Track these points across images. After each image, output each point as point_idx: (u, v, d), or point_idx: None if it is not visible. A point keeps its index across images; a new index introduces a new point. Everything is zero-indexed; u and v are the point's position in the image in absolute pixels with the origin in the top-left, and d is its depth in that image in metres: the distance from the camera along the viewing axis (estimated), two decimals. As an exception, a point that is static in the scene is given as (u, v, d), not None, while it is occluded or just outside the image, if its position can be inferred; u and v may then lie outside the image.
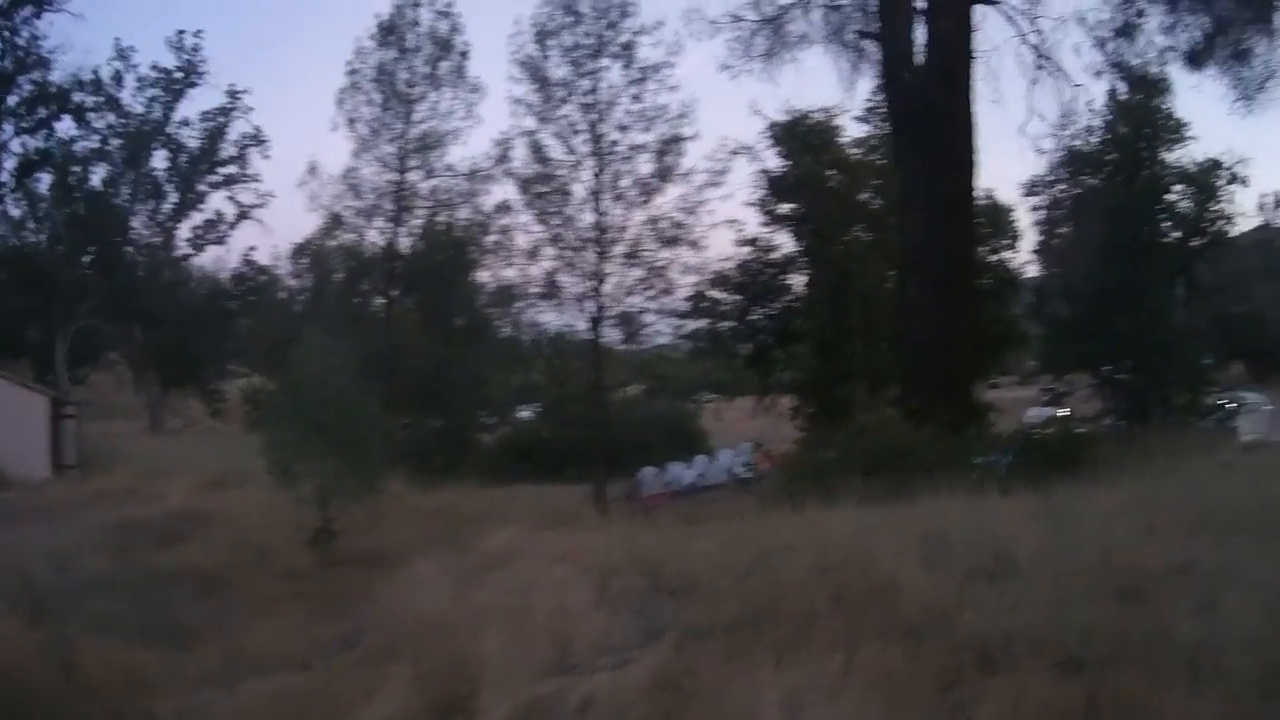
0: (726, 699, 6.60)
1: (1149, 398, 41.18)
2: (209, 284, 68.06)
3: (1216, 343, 61.04)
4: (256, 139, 62.68)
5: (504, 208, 44.01)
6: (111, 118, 59.16)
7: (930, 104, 25.63)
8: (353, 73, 44.97)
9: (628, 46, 39.76)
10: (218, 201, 63.29)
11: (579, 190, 40.57)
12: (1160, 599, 7.67)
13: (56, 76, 54.37)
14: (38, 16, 52.48)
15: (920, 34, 27.15)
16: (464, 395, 46.31)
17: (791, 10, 30.18)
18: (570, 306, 41.62)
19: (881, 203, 43.64)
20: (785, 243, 47.47)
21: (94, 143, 58.22)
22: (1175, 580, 8.21)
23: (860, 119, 45.39)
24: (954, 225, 26.43)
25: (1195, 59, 27.89)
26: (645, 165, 40.24)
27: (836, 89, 51.89)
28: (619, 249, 40.46)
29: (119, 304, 57.22)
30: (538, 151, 40.72)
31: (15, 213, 56.56)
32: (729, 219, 45.46)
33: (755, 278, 47.29)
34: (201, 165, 62.30)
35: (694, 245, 41.18)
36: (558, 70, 40.17)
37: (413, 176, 46.02)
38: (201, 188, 62.98)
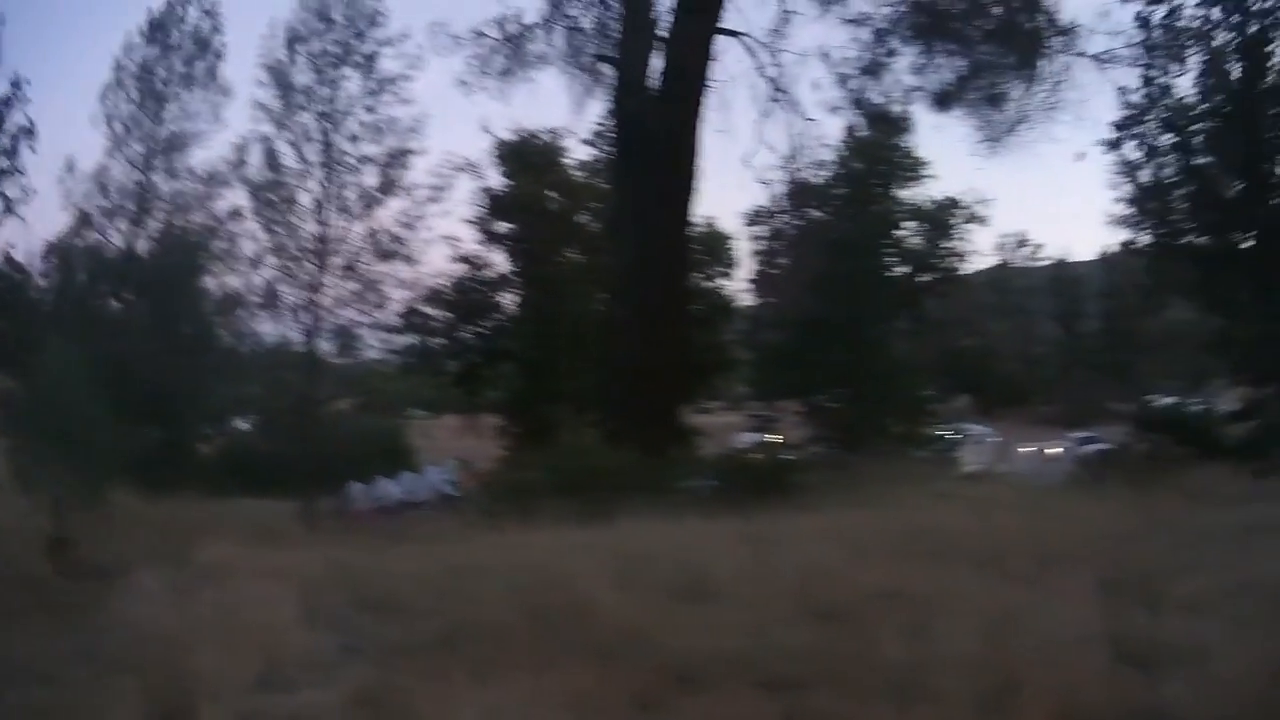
0: (424, 716, 6.77)
1: (863, 426, 42.84)
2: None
3: (943, 375, 63.99)
4: (29, 131, 58.82)
5: (235, 214, 42.84)
6: None
7: (654, 129, 25.92)
8: (119, 68, 43.22)
9: (371, 57, 39.30)
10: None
11: (305, 200, 39.64)
12: (866, 622, 8.07)
13: None
14: None
15: (660, 61, 27.46)
16: (187, 405, 45.02)
17: (535, 30, 30.34)
18: (287, 317, 40.52)
19: (599, 226, 44.18)
20: (500, 262, 48.20)
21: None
22: (882, 604, 8.62)
23: (587, 142, 46.11)
24: (667, 251, 26.77)
25: (943, 100, 29.09)
26: (370, 178, 39.91)
27: (568, 111, 52.59)
28: (337, 261, 39.97)
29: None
30: (271, 158, 39.99)
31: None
32: (447, 236, 45.62)
33: (467, 295, 47.67)
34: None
35: (409, 260, 40.78)
36: (301, 77, 39.44)
37: (157, 178, 44.25)
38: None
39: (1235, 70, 34.86)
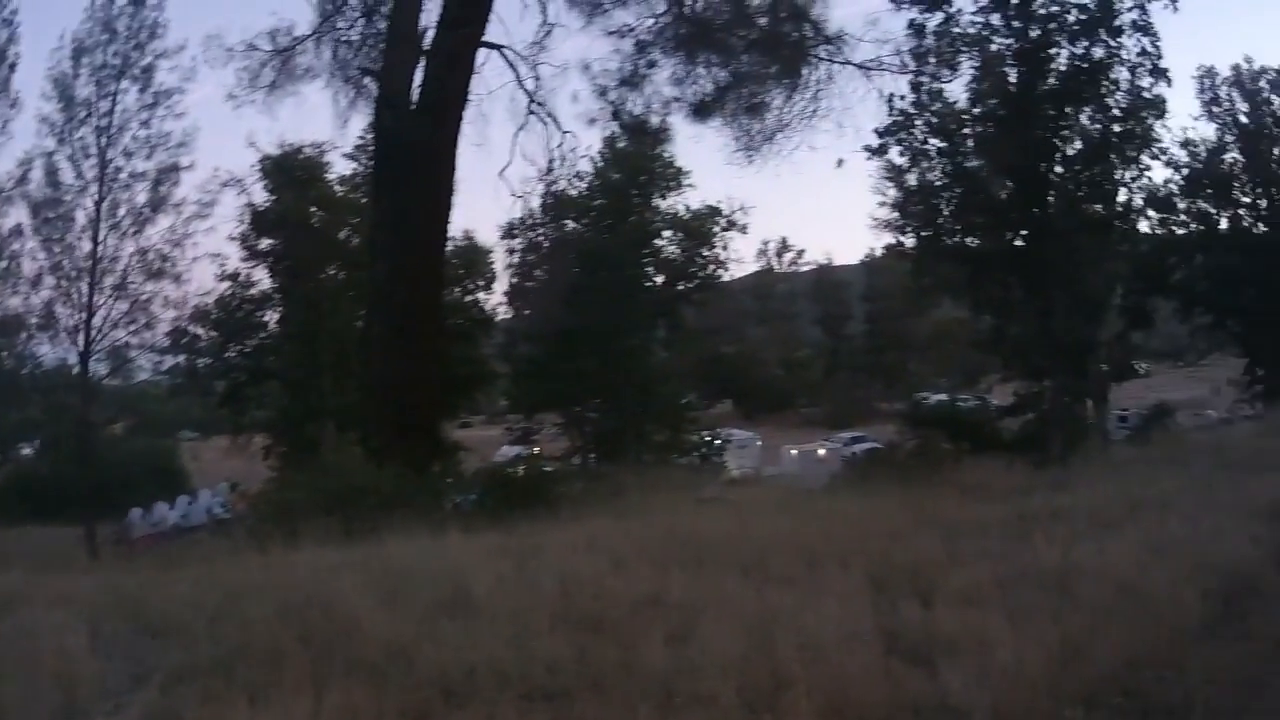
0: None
1: (624, 435, 43.17)
2: None
3: (704, 382, 65.09)
4: None
5: (16, 232, 41.35)
6: None
7: (412, 143, 25.79)
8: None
9: (148, 69, 39.58)
10: None
11: (81, 217, 39.74)
12: (629, 630, 8.11)
13: None
14: None
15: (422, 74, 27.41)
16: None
17: (304, 42, 29.85)
18: (64, 339, 40.38)
19: (359, 241, 44.07)
20: (264, 279, 48.14)
21: None
22: (644, 612, 8.71)
23: (350, 156, 46.32)
24: (423, 265, 26.65)
25: (701, 110, 29.38)
26: (142, 194, 40.08)
27: (333, 125, 52.43)
28: (109, 280, 39.65)
29: None
30: (51, 174, 39.43)
31: None
32: (213, 253, 46.47)
33: (233, 314, 47.55)
34: None
35: (177, 279, 41.22)
36: (84, 89, 39.39)
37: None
38: None
39: (1012, 75, 36.47)
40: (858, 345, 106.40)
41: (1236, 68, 51.10)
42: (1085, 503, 14.20)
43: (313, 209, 46.50)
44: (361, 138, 41.94)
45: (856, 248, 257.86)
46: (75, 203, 39.65)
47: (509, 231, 47.65)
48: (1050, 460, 29.30)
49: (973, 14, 35.96)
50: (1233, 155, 51.76)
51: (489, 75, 36.62)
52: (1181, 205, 52.03)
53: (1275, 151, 51.05)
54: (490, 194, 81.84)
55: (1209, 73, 51.27)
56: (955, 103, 37.38)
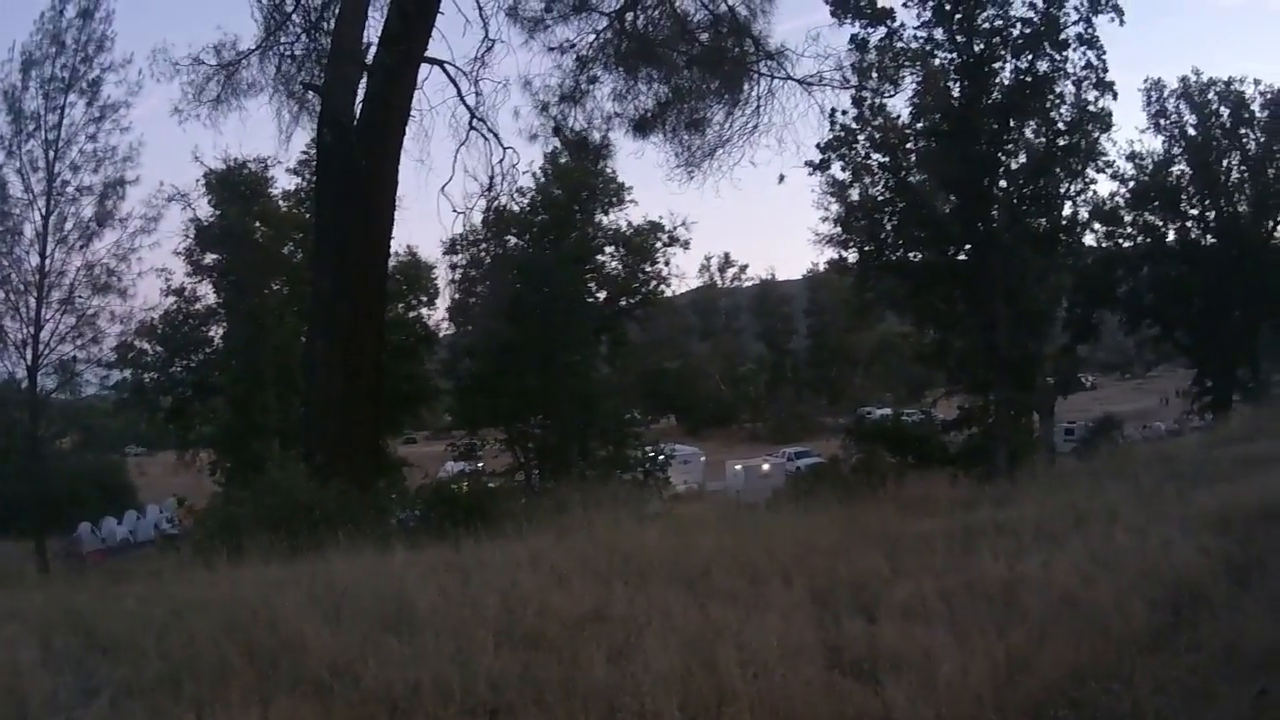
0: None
1: (567, 451, 43.15)
2: None
3: (647, 398, 65.19)
4: None
5: None
6: None
7: (353, 159, 25.70)
8: None
9: (95, 83, 39.02)
10: None
11: (29, 231, 39.05)
12: (572, 646, 8.15)
13: None
14: None
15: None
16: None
17: (249, 57, 29.64)
18: (12, 354, 39.70)
19: (303, 256, 44.40)
20: (208, 294, 48.16)
21: None
22: (588, 627, 8.71)
23: (294, 171, 46.35)
24: (364, 281, 26.57)
25: (642, 126, 29.44)
26: (89, 208, 39.52)
27: (277, 140, 52.29)
28: (57, 295, 39.24)
29: None
30: (0, 188, 38.82)
31: None
32: (158, 268, 46.34)
33: (178, 329, 47.50)
34: None
35: (123, 294, 40.62)
36: (32, 102, 38.75)
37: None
38: None
39: (955, 89, 36.77)
40: (801, 360, 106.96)
41: (1185, 80, 51.89)
42: (1030, 516, 14.19)
43: (256, 224, 46.63)
44: (305, 153, 41.97)
45: (799, 263, 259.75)
46: (23, 216, 39.15)
47: (451, 247, 47.90)
48: (995, 474, 29.53)
49: (916, 28, 36.34)
50: (1180, 167, 52.46)
51: (431, 91, 36.64)
52: (1128, 218, 52.70)
53: (1224, 163, 51.78)
54: (432, 210, 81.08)
55: (1156, 85, 52.02)
56: (898, 117, 37.74)
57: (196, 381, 48.49)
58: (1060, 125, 36.57)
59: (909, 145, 38.58)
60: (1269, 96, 50.85)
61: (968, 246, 38.14)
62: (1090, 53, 35.92)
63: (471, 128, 28.90)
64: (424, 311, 50.47)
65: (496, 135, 29.19)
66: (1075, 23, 35.78)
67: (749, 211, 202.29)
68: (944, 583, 10.04)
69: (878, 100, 35.92)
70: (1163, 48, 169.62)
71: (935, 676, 7.07)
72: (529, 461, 45.78)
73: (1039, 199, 37.37)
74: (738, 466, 58.04)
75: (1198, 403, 51.48)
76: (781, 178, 41.42)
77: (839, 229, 40.87)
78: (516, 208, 43.04)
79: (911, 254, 40.03)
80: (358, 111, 26.49)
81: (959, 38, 36.44)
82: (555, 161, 45.67)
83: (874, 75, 34.55)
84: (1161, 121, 52.33)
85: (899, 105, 37.30)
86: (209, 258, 47.23)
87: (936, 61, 36.26)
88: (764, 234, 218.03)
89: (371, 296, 27.18)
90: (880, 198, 39.25)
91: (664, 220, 50.66)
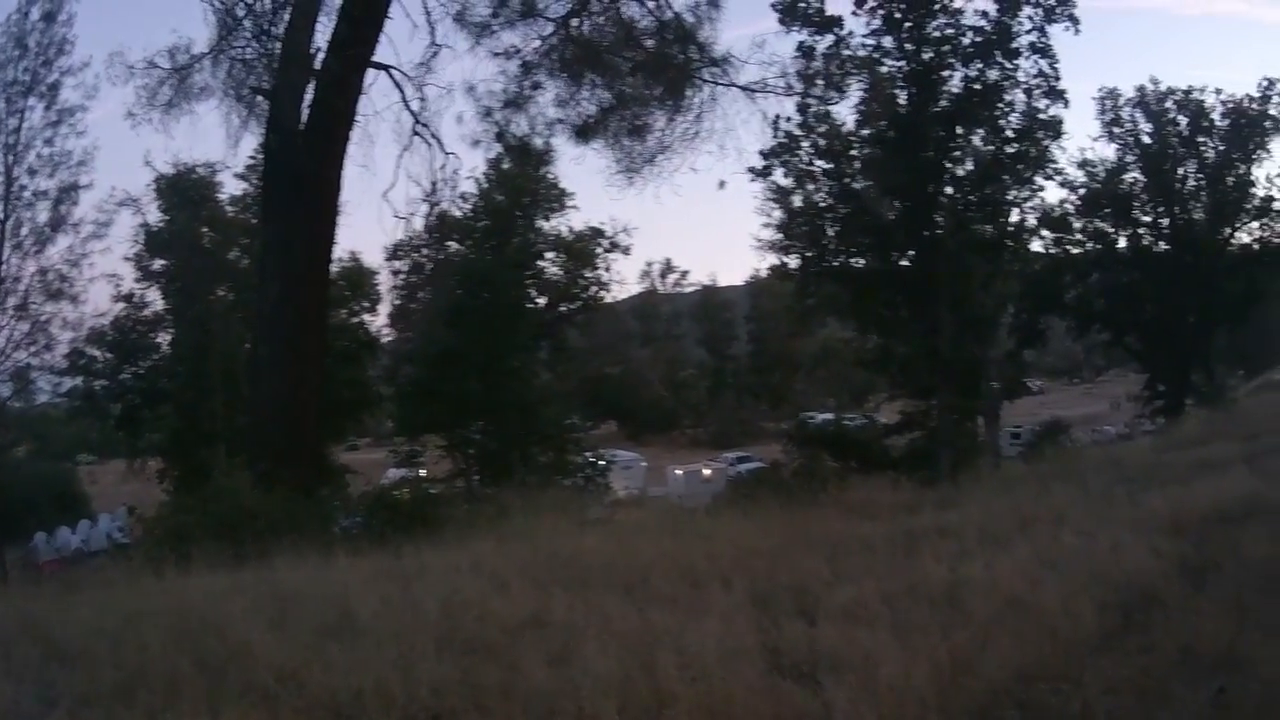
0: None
1: (508, 457, 43.06)
2: None
3: (588, 403, 65.37)
4: None
5: None
6: None
7: (299, 164, 25.60)
8: None
9: (54, 86, 38.68)
10: None
11: None
12: (512, 651, 8.28)
13: None
14: None
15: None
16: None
17: (202, 61, 29.39)
18: None
19: (249, 262, 44.28)
20: (157, 300, 48.53)
21: None
22: (527, 633, 8.89)
23: (241, 176, 46.60)
24: (308, 288, 26.51)
25: (584, 132, 29.41)
26: (44, 213, 39.32)
27: (226, 145, 52.23)
28: (12, 301, 38.98)
29: None
30: None
31: None
32: (109, 274, 46.26)
33: (127, 335, 47.83)
34: None
35: (75, 300, 40.45)
36: None
37: None
38: None
39: (902, 97, 36.94)
40: (743, 365, 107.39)
41: (1141, 89, 52.83)
42: (975, 519, 14.23)
43: (204, 229, 46.98)
44: (253, 158, 42.26)
45: (741, 269, 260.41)
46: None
47: (393, 253, 48.25)
48: (939, 478, 29.60)
49: (864, 36, 36.51)
50: (1134, 175, 53.16)
51: (375, 96, 36.50)
52: (1078, 225, 53.37)
53: (1180, 171, 52.49)
54: (375, 215, 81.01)
55: (1111, 94, 52.82)
56: (843, 125, 37.87)
57: (145, 388, 48.68)
58: (1009, 133, 36.85)
59: (853, 152, 38.73)
60: (1230, 106, 51.67)
61: (912, 253, 38.31)
62: (1042, 61, 36.27)
63: (415, 133, 28.79)
64: (366, 317, 50.90)
65: (440, 141, 29.11)
66: (1028, 31, 36.11)
67: (691, 218, 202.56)
68: (885, 586, 9.99)
69: (823, 107, 36.06)
70: (1118, 54, 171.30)
71: (877, 678, 7.00)
72: (470, 467, 45.78)
73: (985, 205, 37.64)
74: (679, 472, 58.25)
75: (1149, 407, 52.09)
76: (722, 184, 41.24)
77: (781, 235, 40.99)
78: (458, 213, 43.48)
79: (854, 260, 40.19)
80: (304, 116, 26.38)
81: (908, 46, 36.68)
82: (498, 167, 45.81)
83: (820, 82, 34.62)
84: (1115, 130, 53.21)
85: (845, 112, 37.46)
86: (157, 263, 47.56)
87: (884, 69, 36.46)
88: (706, 240, 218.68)
89: (315, 302, 27.13)
90: (823, 204, 39.38)
91: (605, 226, 51.18)
